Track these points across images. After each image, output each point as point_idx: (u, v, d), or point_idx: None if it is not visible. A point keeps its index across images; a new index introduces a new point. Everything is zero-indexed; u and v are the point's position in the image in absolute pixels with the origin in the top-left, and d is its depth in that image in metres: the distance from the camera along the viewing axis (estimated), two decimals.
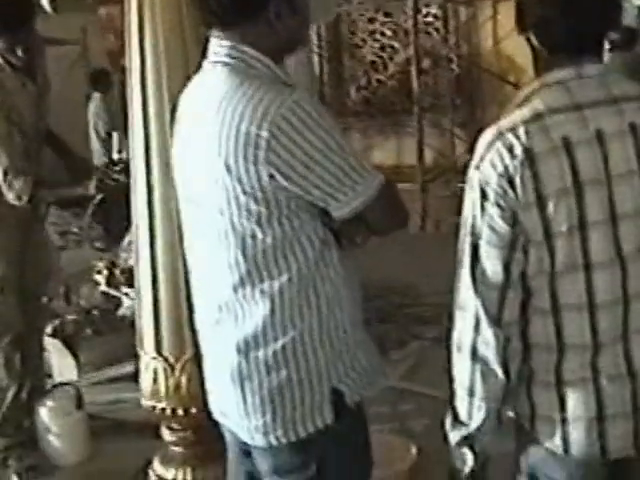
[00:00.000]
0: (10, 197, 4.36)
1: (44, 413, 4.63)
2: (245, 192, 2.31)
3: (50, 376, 5.45)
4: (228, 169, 2.31)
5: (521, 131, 2.08)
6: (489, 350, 2.13)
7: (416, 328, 6.07)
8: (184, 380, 3.76)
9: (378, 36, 12.43)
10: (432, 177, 10.34)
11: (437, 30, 12.06)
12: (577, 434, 2.15)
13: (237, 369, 2.46)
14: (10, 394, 4.65)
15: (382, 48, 12.43)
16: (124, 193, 3.78)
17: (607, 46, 3.75)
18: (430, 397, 4.73)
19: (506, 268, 2.10)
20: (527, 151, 2.06)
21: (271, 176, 2.28)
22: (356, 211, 2.36)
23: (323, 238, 2.41)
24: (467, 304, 2.16)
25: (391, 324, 6.19)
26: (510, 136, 2.08)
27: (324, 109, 2.36)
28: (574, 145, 2.07)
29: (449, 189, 10.89)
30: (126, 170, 3.87)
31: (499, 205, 2.08)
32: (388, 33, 12.35)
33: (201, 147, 2.40)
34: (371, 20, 12.42)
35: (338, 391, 2.42)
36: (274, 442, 2.44)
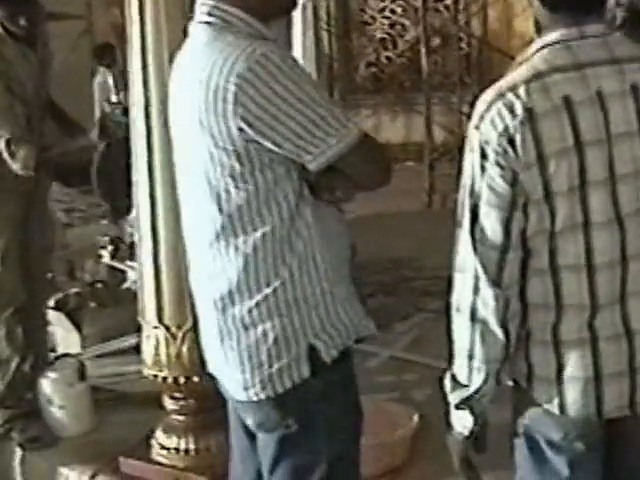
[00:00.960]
0: (15, 167, 4.35)
1: (47, 385, 4.62)
2: (217, 146, 2.31)
3: (54, 349, 5.45)
4: (201, 124, 2.31)
5: (521, 90, 2.05)
6: (489, 311, 2.11)
7: (420, 301, 6.09)
8: (185, 349, 3.78)
9: (388, 13, 12.43)
10: (439, 155, 10.32)
11: (447, 8, 12.03)
12: (573, 394, 2.14)
13: (217, 326, 2.48)
14: (12, 366, 4.64)
15: (392, 26, 12.43)
16: (126, 140, 3.79)
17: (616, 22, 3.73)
18: (433, 368, 4.71)
19: (506, 228, 2.08)
20: (528, 110, 2.03)
21: (240, 129, 2.26)
22: (329, 163, 2.33)
23: (299, 193, 2.38)
24: (466, 265, 2.13)
25: (396, 297, 6.21)
26: (510, 95, 2.06)
27: (296, 61, 2.34)
28: (575, 105, 2.04)
29: (456, 167, 10.89)
30: (126, 112, 3.88)
31: (499, 164, 2.06)
32: (398, 10, 12.35)
33: (185, 106, 2.41)
34: None
35: (314, 347, 2.41)
36: (254, 397, 2.46)
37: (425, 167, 9.89)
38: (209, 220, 2.41)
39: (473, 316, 2.13)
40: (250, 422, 2.56)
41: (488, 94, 2.11)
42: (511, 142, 2.04)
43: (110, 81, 11.98)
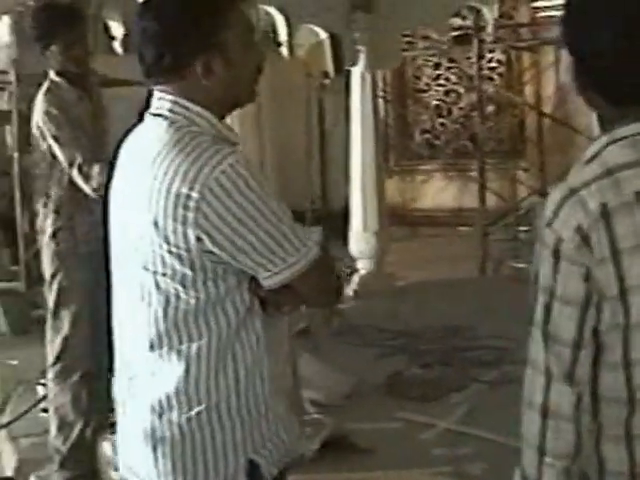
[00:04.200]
0: (89, 188, 4.54)
1: (107, 447, 4.70)
2: (171, 252, 2.23)
3: (113, 410, 5.54)
4: (156, 226, 2.23)
5: (594, 187, 2.05)
6: (561, 407, 2.09)
7: (475, 371, 6.07)
8: None
9: (442, 81, 12.56)
10: (493, 221, 10.35)
11: (501, 75, 12.14)
12: None
13: (150, 429, 2.33)
14: (76, 430, 4.75)
15: (446, 93, 12.54)
16: None
17: None
18: (488, 441, 4.75)
19: (579, 326, 2.07)
20: (602, 207, 2.03)
21: (198, 239, 2.20)
22: (285, 282, 2.27)
23: (248, 305, 2.31)
24: (538, 362, 2.12)
25: (450, 367, 6.21)
26: (583, 193, 2.06)
27: (262, 175, 2.29)
28: None
29: (509, 233, 10.93)
30: None
31: (573, 262, 2.06)
32: (452, 78, 12.47)
33: (132, 200, 2.32)
34: (436, 65, 12.55)
35: (254, 462, 2.32)
36: None
37: (478, 233, 9.93)
38: (151, 322, 2.31)
39: (545, 412, 2.11)
40: None
41: (559, 192, 2.11)
42: (585, 239, 2.04)
43: None
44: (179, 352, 2.28)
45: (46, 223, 4.77)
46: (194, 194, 2.16)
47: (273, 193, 2.27)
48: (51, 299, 4.81)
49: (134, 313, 2.36)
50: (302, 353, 4.90)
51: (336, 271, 2.49)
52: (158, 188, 2.21)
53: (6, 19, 7.98)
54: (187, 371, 2.27)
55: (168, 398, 2.29)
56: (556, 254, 2.07)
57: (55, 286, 4.76)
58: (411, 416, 5.25)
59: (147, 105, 2.39)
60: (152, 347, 2.31)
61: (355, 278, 8.58)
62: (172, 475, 2.31)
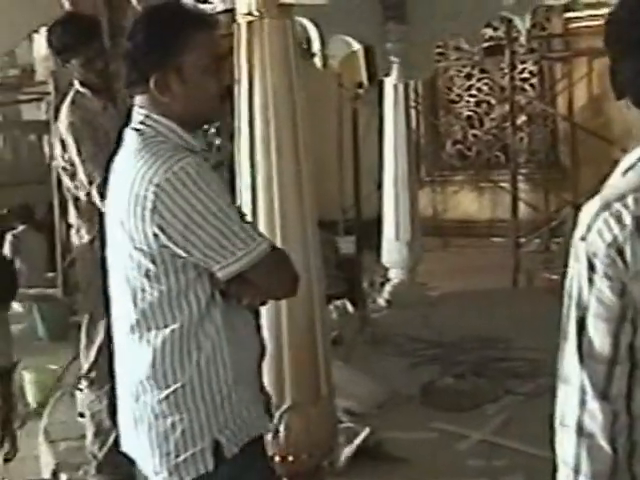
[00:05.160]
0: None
1: None
2: (135, 247, 2.51)
3: None
4: (122, 225, 2.52)
5: (630, 200, 2.01)
6: (596, 425, 2.04)
7: (509, 382, 6.05)
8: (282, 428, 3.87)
9: (474, 92, 12.55)
10: (526, 232, 10.33)
11: (533, 86, 12.12)
12: None
13: (131, 410, 2.64)
14: (112, 438, 4.73)
15: (478, 104, 12.54)
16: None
17: None
18: (523, 453, 4.73)
19: (615, 341, 2.02)
20: (637, 219, 2.00)
21: (155, 235, 2.46)
22: (236, 273, 2.50)
23: (210, 296, 2.55)
24: (572, 378, 2.08)
25: (484, 378, 6.19)
26: (618, 205, 2.02)
27: (214, 176, 2.52)
28: None
29: (542, 244, 10.90)
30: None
31: (608, 276, 2.02)
32: (484, 89, 12.46)
33: (111, 206, 2.64)
34: (468, 76, 12.55)
35: (218, 442, 2.57)
36: None
37: (511, 244, 9.91)
38: (126, 313, 2.59)
39: (580, 430, 2.06)
40: None
41: (593, 205, 2.07)
42: (620, 253, 2.01)
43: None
44: (148, 340, 2.55)
45: (80, 232, 4.81)
46: (150, 194, 2.43)
47: (226, 195, 2.53)
48: (86, 308, 4.84)
49: (117, 305, 2.67)
50: (335, 362, 4.91)
51: (291, 263, 2.68)
52: (123, 192, 2.51)
53: (45, 32, 8.06)
54: (154, 358, 2.54)
55: (141, 383, 2.57)
56: (591, 269, 2.04)
57: (90, 296, 4.79)
58: (445, 426, 5.24)
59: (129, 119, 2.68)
60: (127, 334, 2.60)
61: (388, 288, 8.59)
62: (150, 452, 2.59)
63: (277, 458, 3.92)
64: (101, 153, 4.56)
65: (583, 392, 2.05)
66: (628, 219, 2.01)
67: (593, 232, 2.05)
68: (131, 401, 2.62)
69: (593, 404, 2.05)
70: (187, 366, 2.53)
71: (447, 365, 6.50)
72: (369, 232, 8.74)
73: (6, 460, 4.55)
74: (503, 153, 11.94)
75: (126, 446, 2.75)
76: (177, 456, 2.56)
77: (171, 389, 2.54)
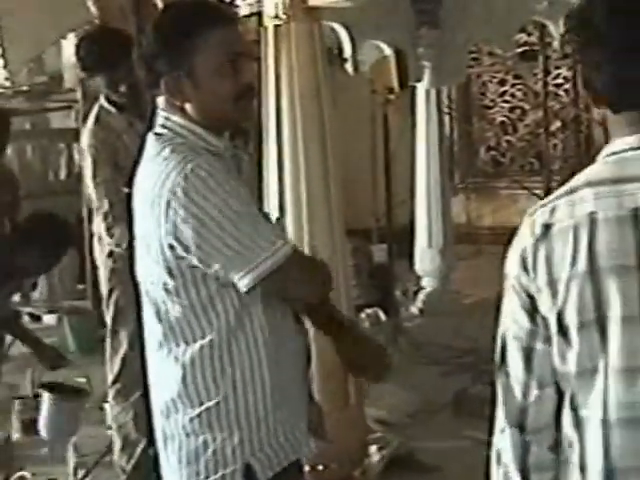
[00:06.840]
0: (108, 242, 4.52)
1: None
2: (154, 261, 2.36)
3: None
4: (143, 238, 2.40)
5: (549, 207, 1.80)
6: (507, 455, 1.86)
7: None
8: None
9: (508, 98, 12.47)
10: None
11: (567, 92, 12.02)
12: None
13: (161, 429, 2.51)
14: (139, 449, 4.73)
15: (512, 110, 12.45)
16: None
17: None
18: None
19: (526, 362, 1.81)
20: (545, 228, 1.78)
21: (171, 247, 2.31)
22: (256, 282, 2.30)
23: (241, 305, 2.37)
24: (498, 402, 1.89)
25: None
26: (539, 212, 1.81)
27: (227, 176, 2.34)
28: (599, 223, 1.73)
29: None
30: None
31: (516, 290, 1.84)
32: (518, 95, 12.37)
33: (136, 216, 2.48)
34: (501, 82, 12.47)
35: (250, 466, 2.40)
36: None
37: None
38: (153, 328, 2.46)
39: (498, 458, 1.89)
40: None
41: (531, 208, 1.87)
42: (524, 264, 1.81)
43: None
44: (176, 357, 2.40)
45: (102, 243, 4.77)
46: (163, 202, 2.29)
47: (242, 194, 2.34)
48: (109, 318, 4.81)
49: (145, 318, 2.51)
50: None
51: (319, 265, 2.55)
52: (142, 199, 2.40)
53: (73, 38, 8.06)
54: (184, 375, 2.39)
55: (172, 401, 2.43)
56: (506, 283, 1.88)
57: (112, 306, 4.76)
58: (478, 434, 5.15)
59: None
60: (156, 349, 2.46)
61: (421, 296, 8.53)
62: (179, 471, 2.46)
63: (307, 467, 3.86)
64: (120, 176, 4.48)
65: (501, 418, 1.88)
66: (538, 227, 1.80)
67: (514, 241, 1.86)
68: (162, 419, 2.50)
69: (507, 432, 1.86)
70: (221, 383, 2.38)
71: (480, 373, 6.40)
72: (402, 240, 8.68)
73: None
74: (537, 159, 11.83)
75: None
76: (207, 477, 2.42)
77: (204, 407, 2.39)
